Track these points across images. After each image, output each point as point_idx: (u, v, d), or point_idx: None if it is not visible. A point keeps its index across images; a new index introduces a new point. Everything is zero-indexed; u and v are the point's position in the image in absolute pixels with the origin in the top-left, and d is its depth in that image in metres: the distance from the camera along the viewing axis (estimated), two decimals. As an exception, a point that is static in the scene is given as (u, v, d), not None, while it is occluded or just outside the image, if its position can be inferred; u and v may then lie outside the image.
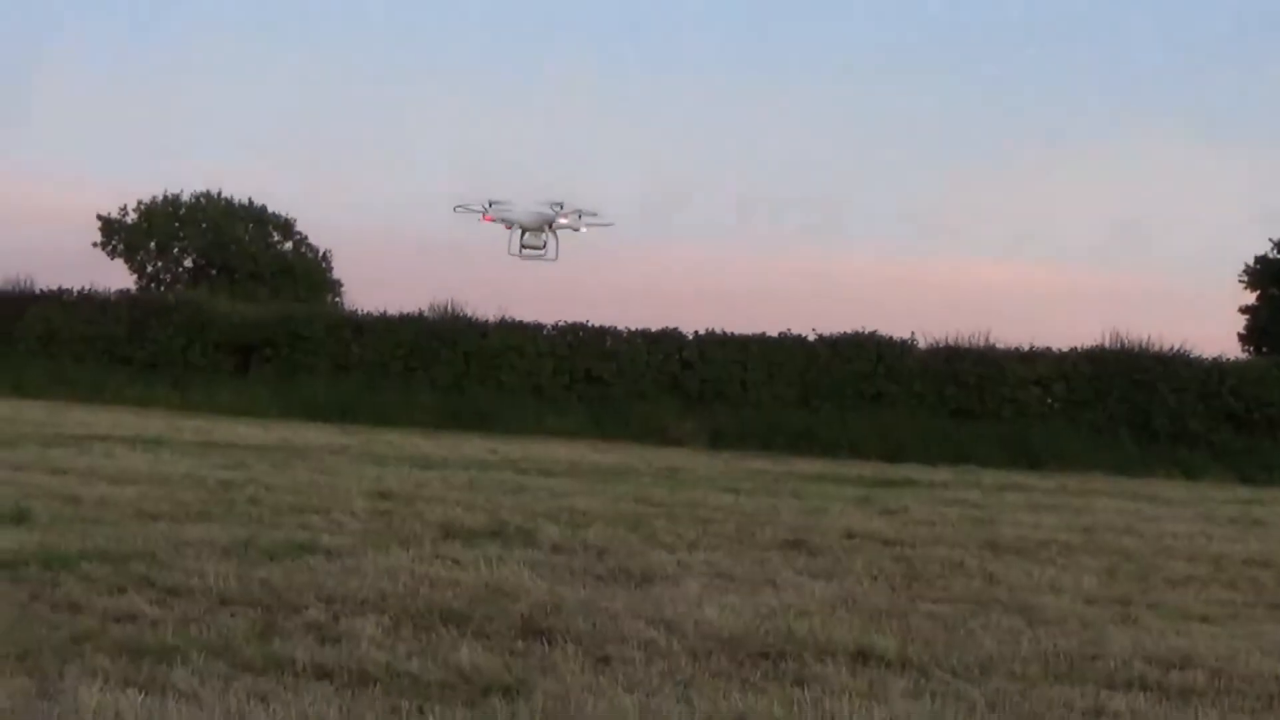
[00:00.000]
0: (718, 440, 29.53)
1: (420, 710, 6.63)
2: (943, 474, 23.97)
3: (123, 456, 18.44)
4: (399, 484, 16.72)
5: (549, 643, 8.23)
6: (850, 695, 7.29)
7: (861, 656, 8.24)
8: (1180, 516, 17.97)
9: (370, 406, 31.49)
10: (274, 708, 6.54)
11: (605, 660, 7.92)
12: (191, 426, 25.28)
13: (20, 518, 11.94)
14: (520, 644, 8.20)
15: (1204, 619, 10.33)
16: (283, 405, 31.79)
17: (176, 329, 34.94)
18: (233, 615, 8.60)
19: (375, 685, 7.10)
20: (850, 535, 13.90)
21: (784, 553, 12.62)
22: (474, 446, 24.94)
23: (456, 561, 10.91)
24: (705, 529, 13.92)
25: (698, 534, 13.52)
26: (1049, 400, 30.58)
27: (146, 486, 15.01)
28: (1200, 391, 29.88)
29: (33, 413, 26.44)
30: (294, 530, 12.28)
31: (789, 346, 32.31)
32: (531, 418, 30.84)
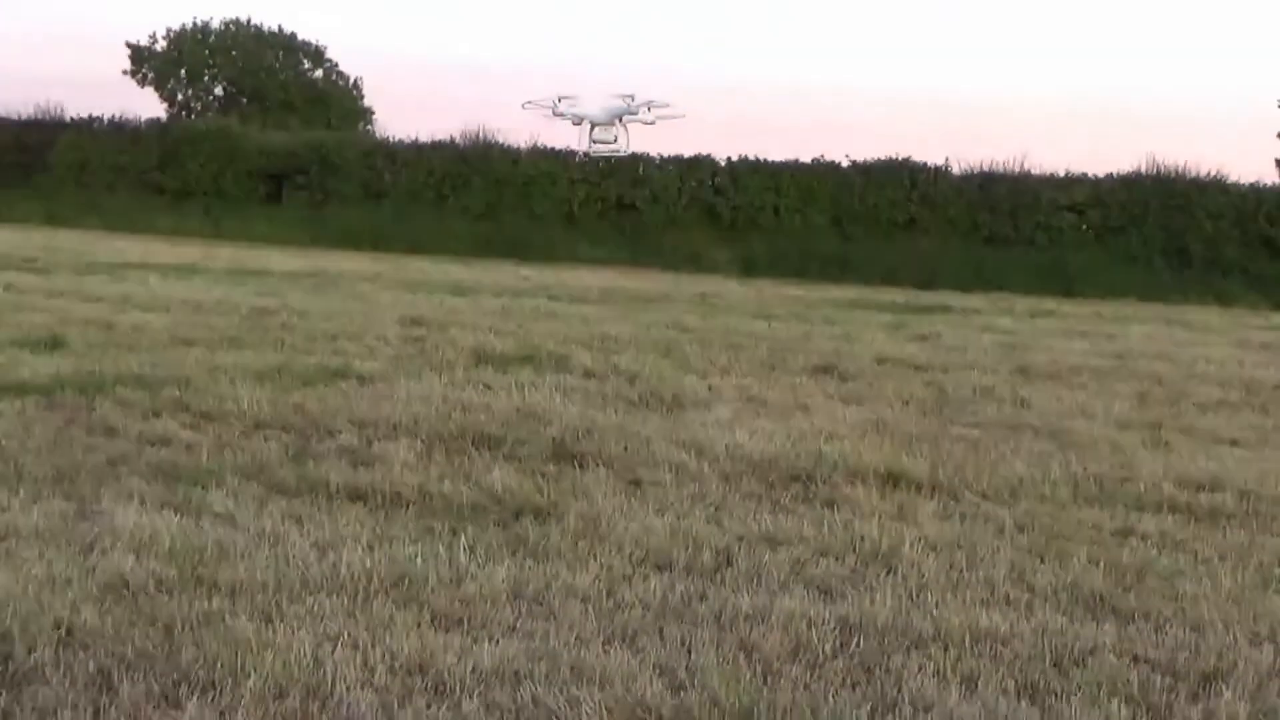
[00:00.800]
0: (751, 267, 29.45)
1: (453, 531, 6.68)
2: (975, 300, 23.92)
3: (156, 284, 18.51)
4: (431, 310, 16.75)
5: (580, 466, 8.28)
6: (880, 517, 7.33)
7: (892, 479, 8.27)
8: (1213, 342, 17.93)
9: (402, 234, 31.44)
10: (308, 529, 6.61)
11: (636, 483, 7.96)
12: (224, 254, 25.33)
13: (55, 344, 12.01)
14: (552, 467, 8.25)
15: (1234, 443, 10.35)
16: (315, 233, 31.79)
17: (208, 158, 34.82)
18: (266, 439, 8.66)
19: (408, 507, 7.17)
20: (882, 361, 13.90)
21: (816, 378, 12.64)
22: (506, 273, 24.94)
23: (489, 386, 10.96)
24: (737, 355, 13.93)
25: (730, 360, 13.53)
26: (1084, 227, 30.36)
27: (180, 314, 15.09)
28: (1236, 218, 29.63)
29: (66, 241, 26.53)
30: (327, 356, 12.33)
31: (822, 173, 32.08)
32: (564, 245, 30.76)
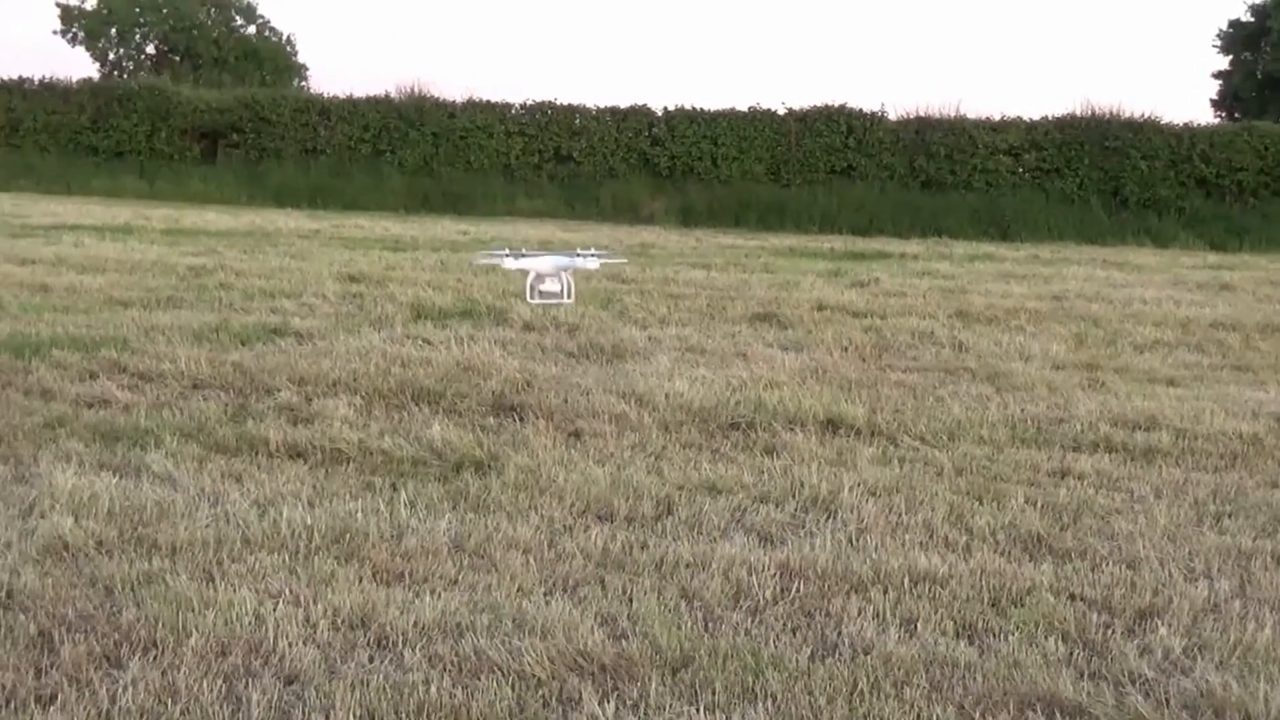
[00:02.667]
0: (689, 217, 29.50)
1: (393, 486, 6.68)
2: (913, 246, 24.03)
3: (91, 245, 18.35)
4: (369, 267, 16.69)
5: (520, 418, 8.28)
6: (819, 463, 7.37)
7: (831, 425, 8.31)
8: (1149, 283, 18.06)
9: (339, 191, 31.33)
10: (248, 487, 6.59)
11: (576, 434, 7.97)
12: (160, 215, 25.13)
13: (-10, 308, 11.92)
14: (492, 420, 8.25)
15: (1170, 382, 10.44)
16: (251, 191, 31.63)
17: (141, 117, 34.56)
18: (205, 399, 8.63)
19: (348, 463, 7.15)
20: (821, 307, 13.93)
21: (754, 326, 12.68)
22: (444, 228, 24.86)
23: (428, 341, 10.94)
24: (676, 304, 13.95)
25: (669, 309, 13.55)
26: (1019, 170, 30.55)
27: (116, 274, 14.97)
28: (1171, 158, 29.86)
29: (-2, 204, 26.27)
30: (265, 314, 12.28)
31: (759, 121, 32.11)
32: (502, 198, 30.74)
